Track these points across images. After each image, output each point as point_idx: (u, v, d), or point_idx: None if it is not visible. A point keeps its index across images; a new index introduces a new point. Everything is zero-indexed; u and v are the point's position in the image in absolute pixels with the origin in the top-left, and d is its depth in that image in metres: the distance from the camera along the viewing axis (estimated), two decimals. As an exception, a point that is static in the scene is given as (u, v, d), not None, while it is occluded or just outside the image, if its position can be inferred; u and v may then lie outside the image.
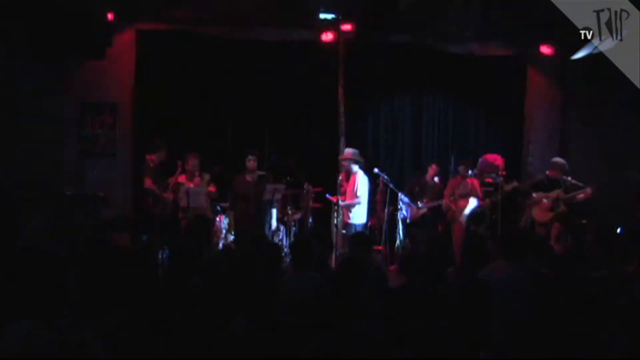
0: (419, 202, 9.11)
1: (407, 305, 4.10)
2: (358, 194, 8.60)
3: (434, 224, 9.22)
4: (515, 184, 9.09)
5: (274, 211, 8.96)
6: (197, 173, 8.63)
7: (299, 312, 3.95)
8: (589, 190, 8.61)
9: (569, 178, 8.80)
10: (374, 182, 9.11)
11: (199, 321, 3.62)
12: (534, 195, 8.91)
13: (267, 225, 8.84)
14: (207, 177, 8.72)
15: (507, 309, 4.12)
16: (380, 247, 9.06)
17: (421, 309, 4.04)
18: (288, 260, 8.22)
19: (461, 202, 8.91)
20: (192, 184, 8.52)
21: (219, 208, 9.02)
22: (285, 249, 8.72)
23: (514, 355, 3.00)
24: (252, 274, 4.56)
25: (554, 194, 8.80)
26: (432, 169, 9.52)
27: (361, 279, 4.06)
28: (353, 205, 8.57)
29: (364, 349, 3.41)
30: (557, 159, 9.07)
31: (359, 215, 8.62)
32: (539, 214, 8.87)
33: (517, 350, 3.02)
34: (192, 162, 8.60)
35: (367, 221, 8.77)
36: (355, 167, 8.71)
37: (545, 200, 8.81)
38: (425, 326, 3.67)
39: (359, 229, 8.44)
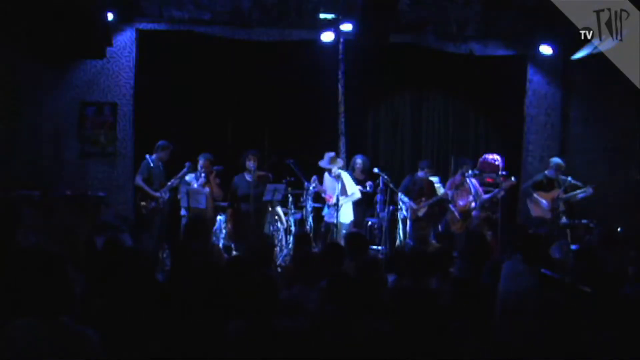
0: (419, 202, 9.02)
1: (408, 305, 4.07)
2: (352, 190, 8.59)
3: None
4: (513, 182, 9.13)
5: (278, 209, 8.94)
6: (204, 174, 8.60)
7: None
8: (590, 189, 8.68)
9: (569, 178, 8.86)
10: (374, 182, 9.11)
11: (196, 322, 3.60)
12: (535, 194, 9.00)
13: (267, 225, 8.83)
14: (217, 180, 8.70)
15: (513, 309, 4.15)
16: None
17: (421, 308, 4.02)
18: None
19: (460, 201, 8.92)
20: (212, 186, 8.55)
21: (218, 208, 9.01)
22: (285, 250, 8.76)
23: (520, 355, 3.00)
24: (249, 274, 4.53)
25: (554, 193, 8.88)
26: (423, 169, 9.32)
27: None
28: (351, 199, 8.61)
29: (367, 350, 3.40)
30: (554, 159, 9.19)
31: (346, 215, 8.63)
32: (538, 211, 8.93)
33: (523, 350, 3.03)
34: (201, 162, 8.59)
35: (355, 219, 8.76)
36: (335, 170, 8.68)
37: (544, 200, 8.88)
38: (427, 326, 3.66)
39: (345, 228, 8.44)
